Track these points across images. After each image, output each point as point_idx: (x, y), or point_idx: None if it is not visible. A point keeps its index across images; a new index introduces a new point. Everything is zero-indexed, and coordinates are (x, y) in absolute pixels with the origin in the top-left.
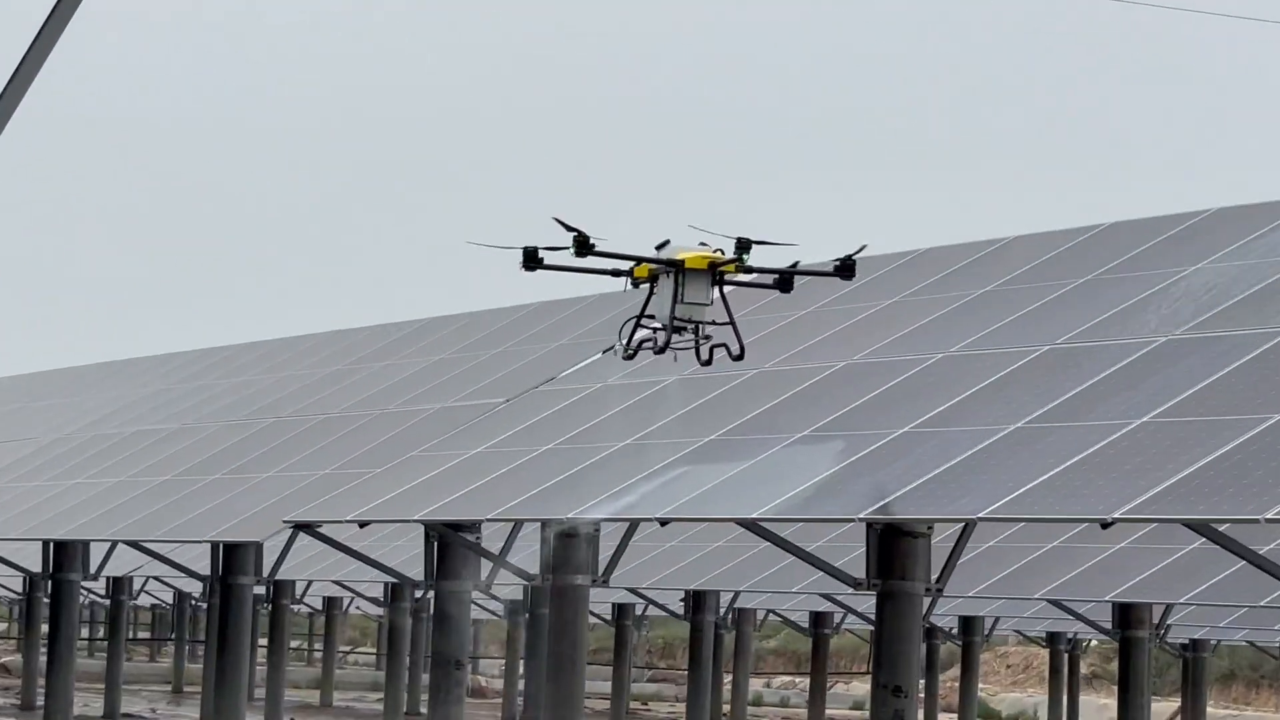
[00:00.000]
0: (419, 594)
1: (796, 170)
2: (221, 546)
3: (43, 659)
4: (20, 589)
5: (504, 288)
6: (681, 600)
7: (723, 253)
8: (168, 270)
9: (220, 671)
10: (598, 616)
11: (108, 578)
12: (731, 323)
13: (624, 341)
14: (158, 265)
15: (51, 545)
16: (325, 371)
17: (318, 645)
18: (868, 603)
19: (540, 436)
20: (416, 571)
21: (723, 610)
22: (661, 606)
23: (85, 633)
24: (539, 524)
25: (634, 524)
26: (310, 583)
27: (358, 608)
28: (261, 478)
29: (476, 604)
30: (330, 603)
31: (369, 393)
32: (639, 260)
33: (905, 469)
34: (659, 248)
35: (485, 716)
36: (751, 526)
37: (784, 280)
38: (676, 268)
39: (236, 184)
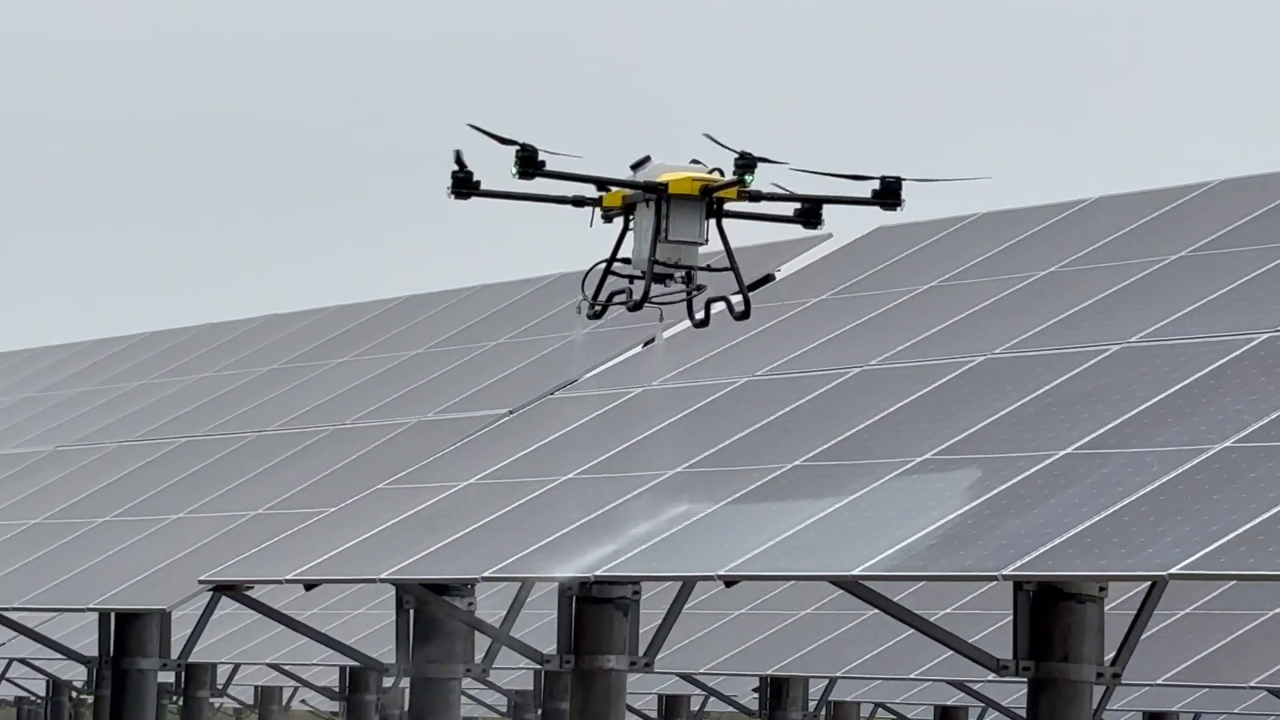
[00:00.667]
0: (389, 682)
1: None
2: (113, 617)
3: None
4: None
5: (504, 256)
6: (754, 690)
7: (721, 173)
8: (53, 238)
9: None
10: (638, 713)
11: None
12: (734, 268)
13: (589, 296)
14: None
15: None
16: (259, 371)
17: None
18: (1016, 692)
19: (557, 462)
20: (385, 651)
21: (813, 703)
22: (727, 699)
23: None
24: (555, 585)
25: (688, 585)
26: (237, 666)
27: (304, 701)
28: (168, 520)
29: (468, 695)
30: (265, 694)
31: (319, 400)
32: (607, 184)
33: (1066, 507)
34: (636, 167)
35: None
36: (852, 587)
37: (808, 211)
38: (658, 194)
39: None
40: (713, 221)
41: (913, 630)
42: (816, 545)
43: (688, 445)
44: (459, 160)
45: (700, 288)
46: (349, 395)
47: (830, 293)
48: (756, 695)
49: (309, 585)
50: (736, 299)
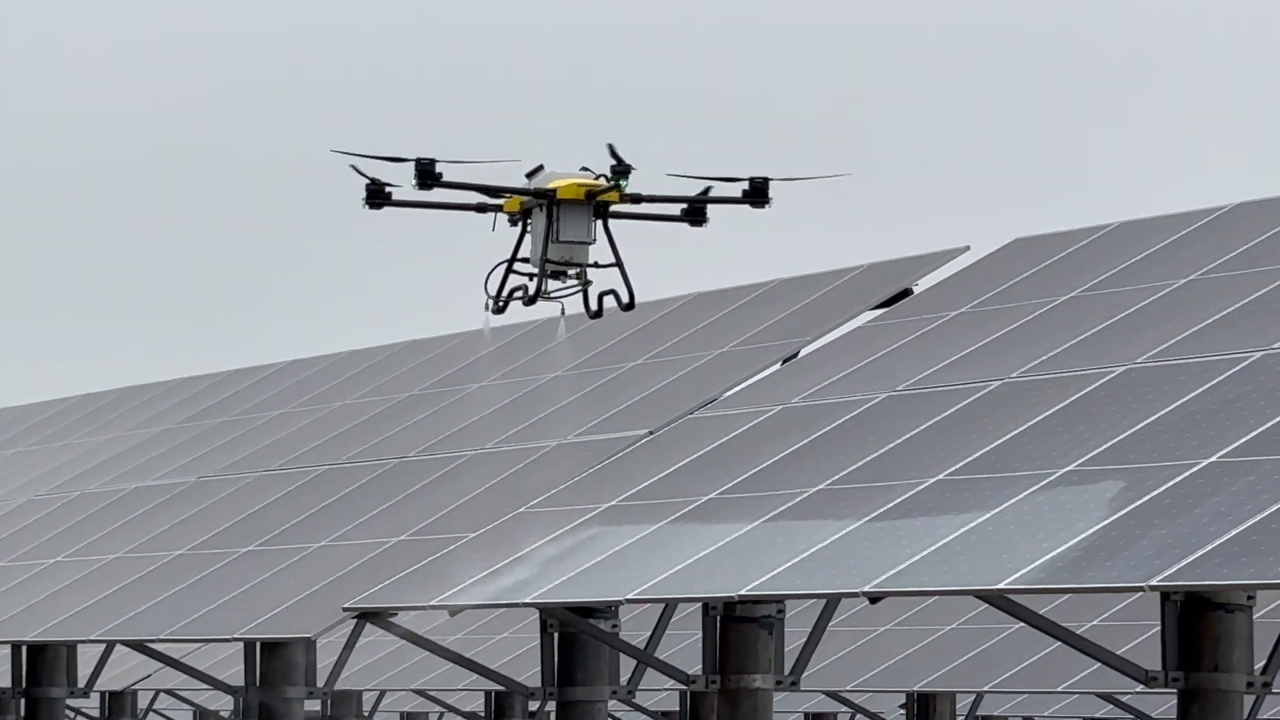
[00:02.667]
0: (534, 705)
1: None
2: (258, 646)
3: None
4: None
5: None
6: (901, 707)
7: (607, 179)
8: (178, 283)
9: None
10: None
11: (103, 693)
12: (619, 264)
13: (491, 293)
14: (158, 280)
15: (24, 650)
16: (399, 397)
17: None
18: (1165, 704)
19: (700, 481)
20: (530, 674)
21: (960, 718)
22: (874, 716)
23: None
24: (700, 605)
25: (833, 602)
26: (382, 693)
27: None
28: (311, 549)
29: (614, 717)
30: None
31: (459, 425)
32: (502, 191)
33: (1212, 516)
34: (530, 175)
35: None
36: (998, 601)
37: (692, 210)
38: (549, 199)
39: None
40: (600, 223)
41: (1060, 643)
42: (961, 559)
43: (829, 462)
44: (363, 174)
45: (589, 282)
46: (489, 419)
47: (968, 306)
48: (903, 711)
49: (453, 610)
50: (624, 291)
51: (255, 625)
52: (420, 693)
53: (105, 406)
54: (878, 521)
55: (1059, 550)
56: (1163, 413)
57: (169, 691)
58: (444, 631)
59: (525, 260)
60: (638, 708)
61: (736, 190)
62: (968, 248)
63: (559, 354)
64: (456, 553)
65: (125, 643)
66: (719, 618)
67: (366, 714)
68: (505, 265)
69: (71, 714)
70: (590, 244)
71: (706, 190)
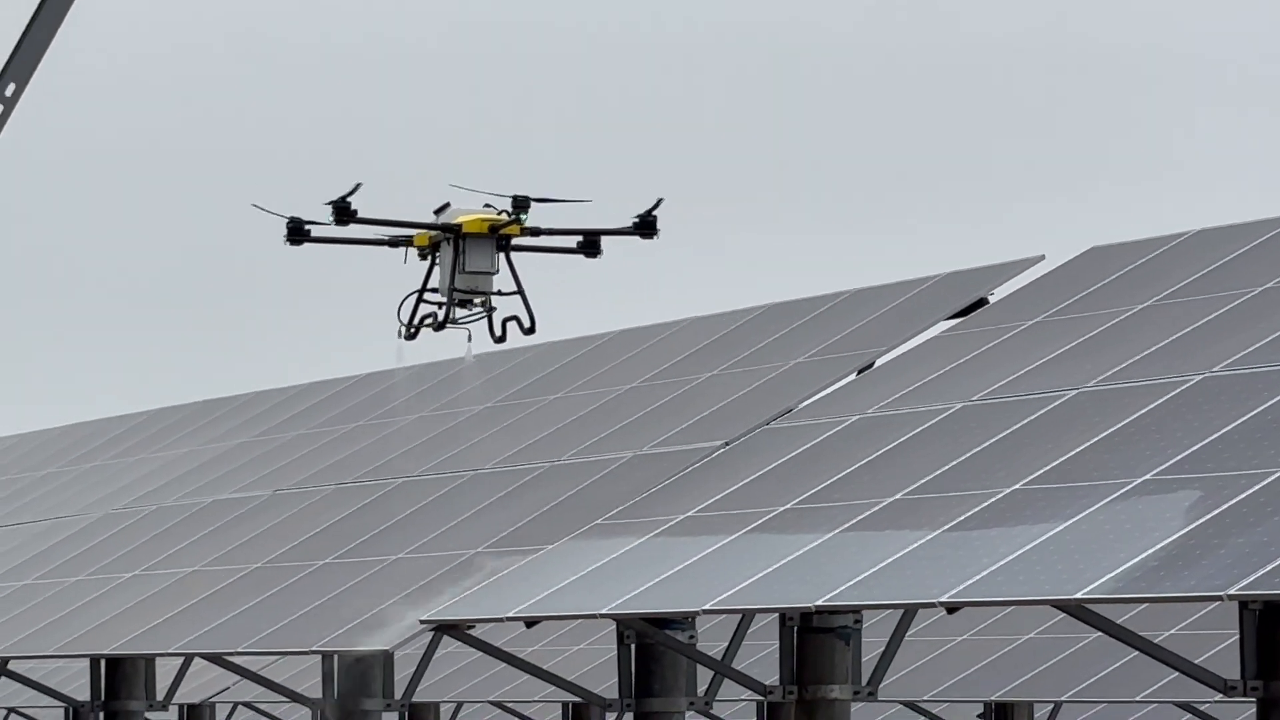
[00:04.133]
0: (612, 716)
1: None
2: (336, 659)
3: None
4: None
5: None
6: (979, 716)
7: (509, 214)
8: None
9: None
10: None
11: (181, 705)
12: (520, 292)
13: (403, 320)
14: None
15: (103, 664)
16: (473, 409)
17: None
18: (1244, 713)
19: (776, 491)
20: (608, 686)
21: None
22: None
23: None
24: (777, 616)
25: (910, 612)
26: (460, 705)
27: None
28: (388, 561)
29: None
30: None
31: (534, 437)
32: (410, 226)
33: None
34: (438, 212)
35: None
36: (1075, 610)
37: (587, 243)
38: (454, 234)
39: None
40: (503, 254)
41: (1138, 652)
42: (1038, 569)
43: (905, 472)
44: (300, 227)
45: (493, 309)
46: (564, 431)
47: (1044, 315)
48: (981, 719)
49: (530, 622)
50: (525, 316)
51: (333, 638)
52: (497, 704)
53: (182, 420)
54: (954, 531)
55: (1136, 560)
56: (1240, 421)
57: (247, 704)
58: (521, 643)
59: (434, 290)
60: (715, 719)
61: (628, 222)
62: (1043, 257)
63: (632, 366)
64: (533, 564)
65: (203, 655)
66: (796, 628)
67: None
68: (416, 295)
69: None
70: (494, 274)
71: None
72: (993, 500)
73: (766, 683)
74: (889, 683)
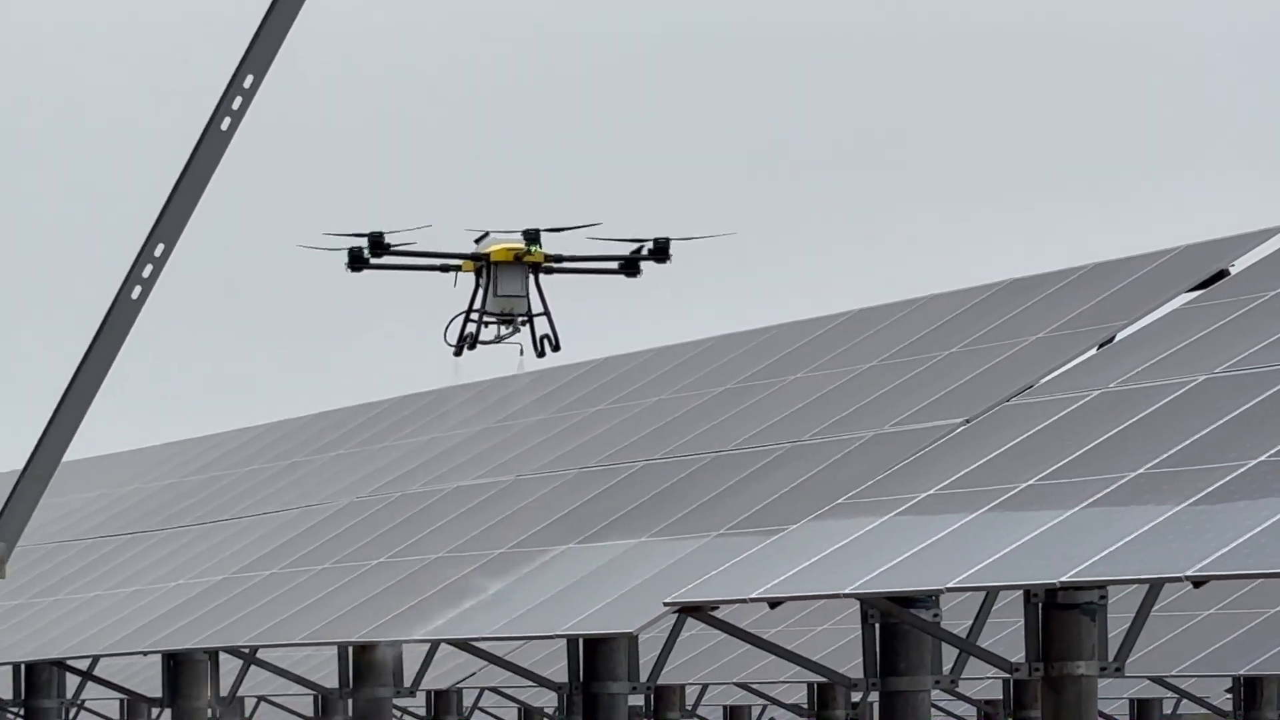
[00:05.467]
0: (857, 696)
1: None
2: (581, 643)
3: None
4: (312, 712)
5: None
6: (1227, 691)
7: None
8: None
9: None
10: (1109, 719)
11: (428, 691)
12: (546, 313)
13: (450, 342)
14: None
15: (350, 652)
16: (713, 391)
17: None
18: None
19: (1017, 468)
20: (853, 665)
21: None
22: (1200, 701)
23: None
24: (1020, 593)
25: (1156, 586)
26: (705, 686)
27: (773, 719)
28: (630, 545)
29: (938, 707)
30: (734, 713)
31: (775, 418)
32: (451, 257)
33: None
34: (478, 241)
35: None
36: None
37: (628, 264)
38: (487, 262)
39: None
40: (532, 278)
41: None
42: None
43: (1148, 446)
44: (352, 249)
45: (525, 327)
46: (804, 412)
47: None
48: (1230, 696)
49: (773, 603)
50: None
51: (577, 621)
52: (743, 686)
53: (424, 408)
54: (1199, 505)
55: None
56: None
57: (493, 689)
58: (765, 624)
59: (480, 310)
60: (961, 697)
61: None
62: None
63: (872, 345)
64: (775, 545)
65: (449, 641)
66: (1041, 605)
67: (690, 708)
68: (463, 315)
69: (398, 714)
70: (523, 297)
71: (638, 249)
72: (1238, 473)
73: (1012, 660)
74: (1135, 658)
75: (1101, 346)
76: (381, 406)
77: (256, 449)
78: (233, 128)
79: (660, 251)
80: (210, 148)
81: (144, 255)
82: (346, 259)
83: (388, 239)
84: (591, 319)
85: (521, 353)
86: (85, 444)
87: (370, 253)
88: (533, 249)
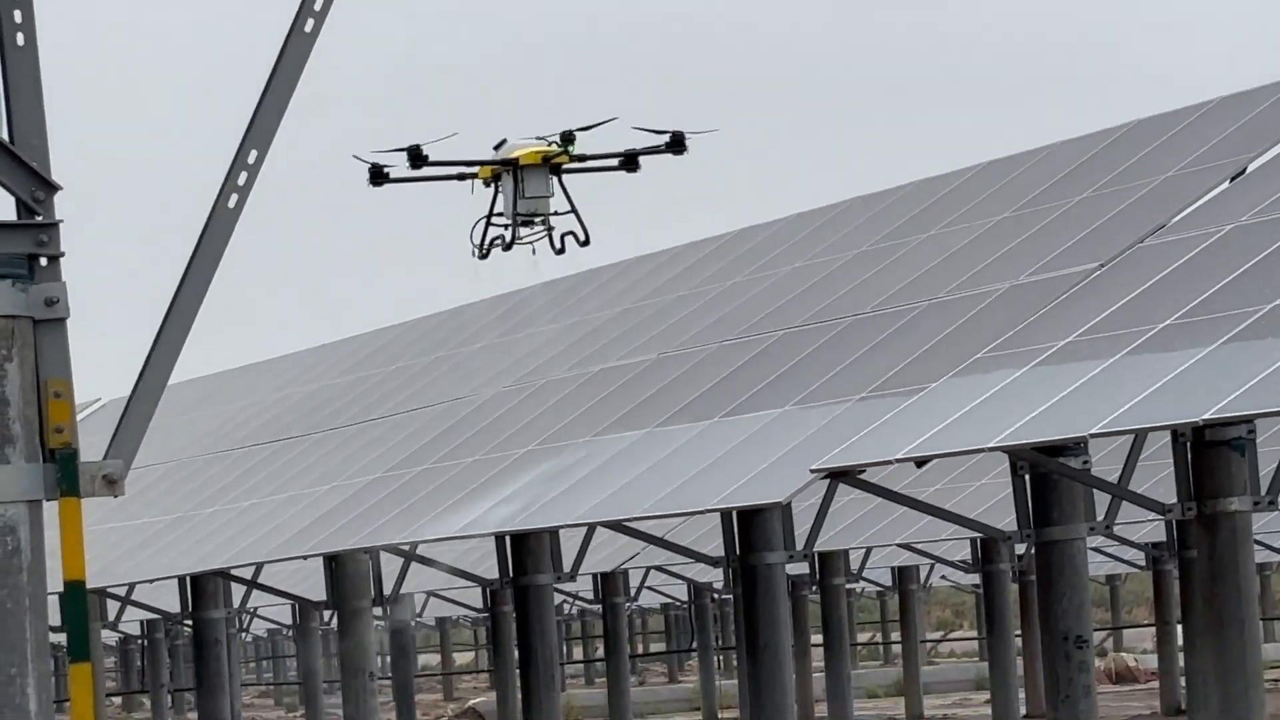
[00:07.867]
0: (1019, 549)
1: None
2: (734, 515)
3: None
4: (481, 604)
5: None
6: None
7: (558, 144)
8: None
9: (757, 685)
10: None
11: (593, 575)
12: (574, 210)
13: (474, 242)
14: None
15: (508, 540)
16: (848, 254)
17: (894, 635)
18: None
19: (1155, 309)
20: (1006, 520)
21: None
22: None
23: (576, 653)
24: (1168, 435)
25: None
26: (869, 550)
27: (943, 577)
28: (776, 413)
29: (1099, 552)
30: (902, 574)
31: (911, 277)
32: (476, 164)
33: None
34: (496, 148)
35: (1137, 707)
36: None
37: (627, 160)
38: (513, 166)
39: None
40: (556, 179)
41: None
42: None
43: None
44: (380, 170)
45: (551, 227)
46: (939, 268)
47: None
48: None
49: (920, 462)
50: (580, 231)
51: (728, 494)
52: (907, 546)
53: (565, 292)
54: None
55: None
56: None
57: (659, 568)
58: (919, 485)
59: (500, 214)
60: (1124, 541)
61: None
62: None
63: (1001, 197)
64: (918, 404)
65: (604, 524)
66: (1189, 444)
67: (856, 572)
68: (484, 220)
69: (569, 598)
70: (549, 197)
71: (656, 145)
72: None
73: (1167, 503)
74: None
75: (1233, 180)
76: (519, 295)
77: (402, 346)
78: (316, 29)
79: (676, 143)
80: (295, 51)
81: (238, 163)
82: (368, 175)
83: (424, 150)
84: (619, 213)
85: (534, 253)
86: (201, 364)
87: (411, 165)
88: (568, 149)
